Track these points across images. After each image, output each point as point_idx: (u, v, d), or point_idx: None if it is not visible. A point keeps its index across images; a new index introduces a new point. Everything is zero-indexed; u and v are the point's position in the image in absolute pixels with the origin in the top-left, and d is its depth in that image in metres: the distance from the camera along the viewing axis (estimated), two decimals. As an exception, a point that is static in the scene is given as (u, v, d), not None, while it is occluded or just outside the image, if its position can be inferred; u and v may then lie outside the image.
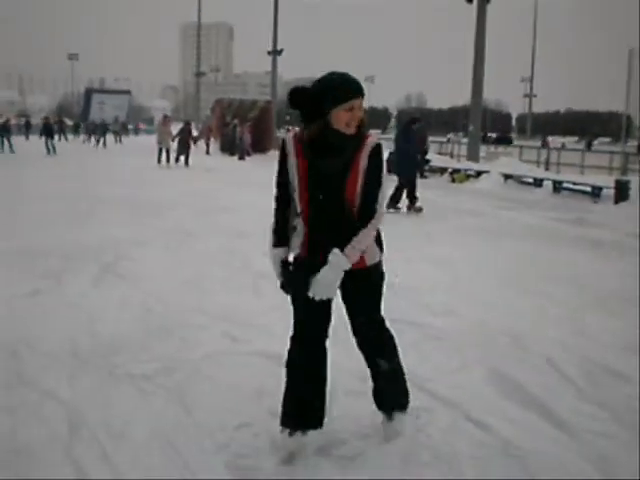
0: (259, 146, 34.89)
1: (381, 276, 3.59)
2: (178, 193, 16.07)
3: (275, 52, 43.66)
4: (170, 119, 28.53)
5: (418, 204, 14.12)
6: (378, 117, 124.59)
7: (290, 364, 3.57)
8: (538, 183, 20.13)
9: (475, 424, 3.88)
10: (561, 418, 4.01)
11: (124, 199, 14.28)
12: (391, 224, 6.67)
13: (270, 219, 3.53)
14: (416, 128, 14.66)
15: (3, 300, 6.21)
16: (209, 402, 4.11)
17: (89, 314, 5.83)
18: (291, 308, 3.55)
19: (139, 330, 5.43)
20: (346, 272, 3.28)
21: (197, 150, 35.92)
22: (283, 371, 3.60)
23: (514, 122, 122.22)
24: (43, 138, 31.55)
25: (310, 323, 3.51)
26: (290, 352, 3.57)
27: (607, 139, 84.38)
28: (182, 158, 25.87)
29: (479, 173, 22.19)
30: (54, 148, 31.15)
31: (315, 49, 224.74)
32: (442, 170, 24.05)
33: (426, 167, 24.06)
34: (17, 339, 5.12)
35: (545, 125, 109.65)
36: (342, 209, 3.27)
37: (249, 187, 17.42)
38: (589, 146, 48.01)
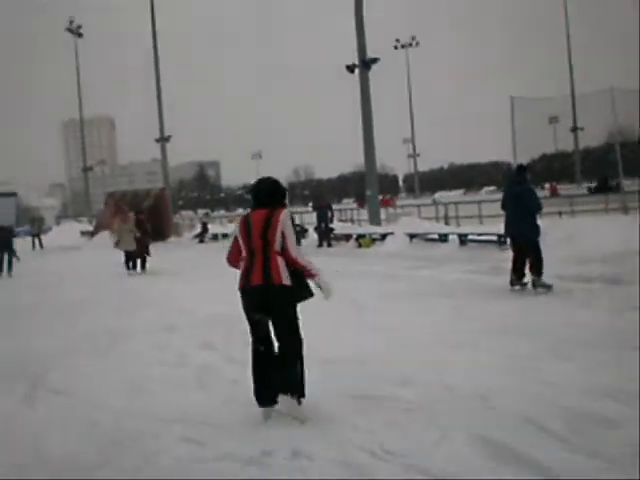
0: (159, 234, 34.32)
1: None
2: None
3: (163, 139, 43.49)
4: (126, 213, 22.10)
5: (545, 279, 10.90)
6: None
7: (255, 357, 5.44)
8: (443, 238, 20.54)
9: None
10: (556, 473, 3.94)
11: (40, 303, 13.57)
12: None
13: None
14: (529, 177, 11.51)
15: None
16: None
17: (31, 437, 5.33)
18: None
19: (90, 449, 5.01)
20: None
21: (101, 244, 35.01)
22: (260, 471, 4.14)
23: (401, 183, 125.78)
24: None
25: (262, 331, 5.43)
26: (255, 351, 5.44)
27: (492, 187, 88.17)
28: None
29: (384, 236, 22.49)
30: None
31: (201, 133, 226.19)
32: (347, 237, 24.30)
33: (331, 235, 24.29)
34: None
35: (431, 182, 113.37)
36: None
37: (163, 276, 17.00)
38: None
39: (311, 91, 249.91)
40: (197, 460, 4.62)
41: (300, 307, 5.46)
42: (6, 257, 20.76)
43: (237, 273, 5.47)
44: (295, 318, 5.41)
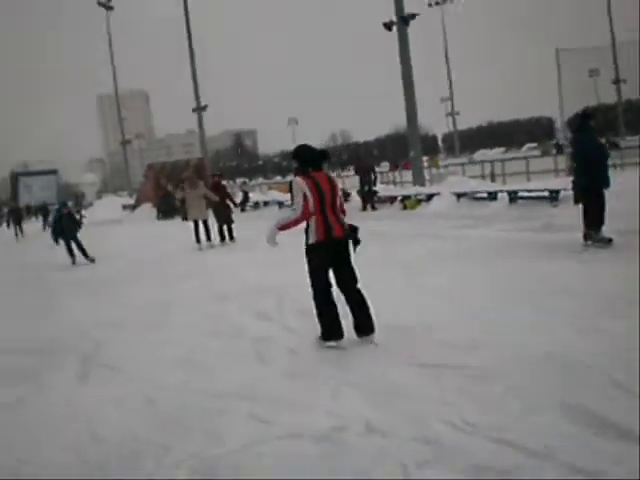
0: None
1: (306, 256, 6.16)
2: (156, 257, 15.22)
3: (199, 109, 43.22)
4: (194, 178, 18.66)
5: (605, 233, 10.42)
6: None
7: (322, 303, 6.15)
8: (492, 197, 19.95)
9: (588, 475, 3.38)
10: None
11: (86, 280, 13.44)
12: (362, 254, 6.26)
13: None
14: (594, 125, 10.87)
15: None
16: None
17: (85, 418, 5.08)
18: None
19: (149, 428, 4.75)
20: None
21: (142, 217, 35.04)
22: (333, 449, 4.02)
23: (441, 142, 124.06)
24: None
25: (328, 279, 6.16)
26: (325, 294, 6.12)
27: (534, 144, 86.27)
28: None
29: (430, 196, 21.95)
30: None
31: (237, 101, 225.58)
32: (391, 199, 23.79)
33: (375, 198, 23.82)
34: (9, 462, 4.41)
35: (471, 140, 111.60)
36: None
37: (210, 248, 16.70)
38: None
39: (346, 54, 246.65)
40: (265, 439, 4.31)
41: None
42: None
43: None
44: None
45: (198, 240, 16.91)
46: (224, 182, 21.34)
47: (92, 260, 15.96)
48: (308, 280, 6.18)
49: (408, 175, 30.43)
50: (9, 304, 11.23)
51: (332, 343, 6.12)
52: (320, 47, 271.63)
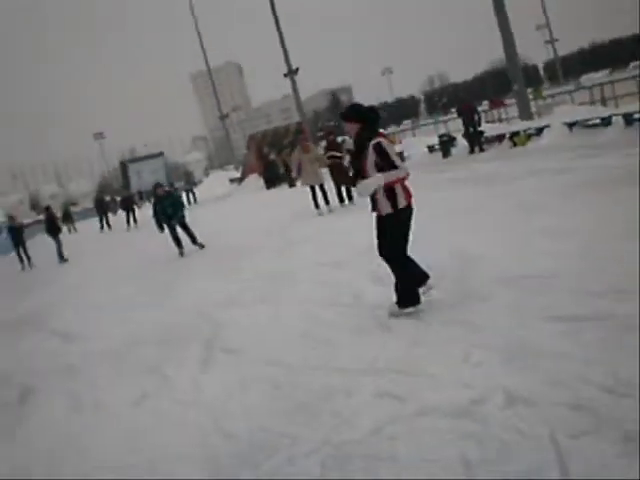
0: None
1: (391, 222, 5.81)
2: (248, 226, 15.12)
3: (291, 72, 42.94)
4: (307, 138, 18.40)
5: None
6: (406, 107, 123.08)
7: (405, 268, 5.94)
8: (607, 122, 18.76)
9: None
10: None
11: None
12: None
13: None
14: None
15: (109, 411, 5.43)
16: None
17: (211, 412, 4.91)
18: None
19: (279, 416, 4.53)
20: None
21: (250, 188, 35.29)
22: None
23: (542, 72, 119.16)
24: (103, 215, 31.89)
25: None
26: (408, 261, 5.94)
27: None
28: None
29: (540, 130, 20.91)
30: (109, 225, 31.24)
31: (328, 59, 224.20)
32: (499, 137, 22.81)
33: (482, 139, 22.94)
34: (143, 461, 4.30)
35: (573, 66, 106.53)
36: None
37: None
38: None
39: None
40: (399, 418, 4.01)
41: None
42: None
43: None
44: None
45: (317, 205, 16.19)
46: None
47: (201, 246, 14.51)
48: (388, 245, 5.92)
49: (513, 110, 29.14)
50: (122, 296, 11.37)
51: (411, 309, 5.96)
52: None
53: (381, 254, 5.96)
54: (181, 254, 14.26)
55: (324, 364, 5.27)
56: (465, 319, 5.46)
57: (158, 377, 6.05)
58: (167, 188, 15.10)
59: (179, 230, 14.46)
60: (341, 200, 16.56)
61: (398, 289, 5.99)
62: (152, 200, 15.43)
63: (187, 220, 14.70)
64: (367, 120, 5.81)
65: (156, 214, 14.41)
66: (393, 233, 5.82)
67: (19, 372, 7.51)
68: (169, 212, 14.22)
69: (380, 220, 5.88)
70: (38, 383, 6.83)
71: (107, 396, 5.85)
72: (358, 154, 5.80)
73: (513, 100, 27.68)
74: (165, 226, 14.38)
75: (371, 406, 4.27)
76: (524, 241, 7.71)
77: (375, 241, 5.98)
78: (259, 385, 5.17)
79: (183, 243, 14.41)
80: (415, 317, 5.88)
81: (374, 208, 5.90)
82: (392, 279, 6.07)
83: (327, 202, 16.25)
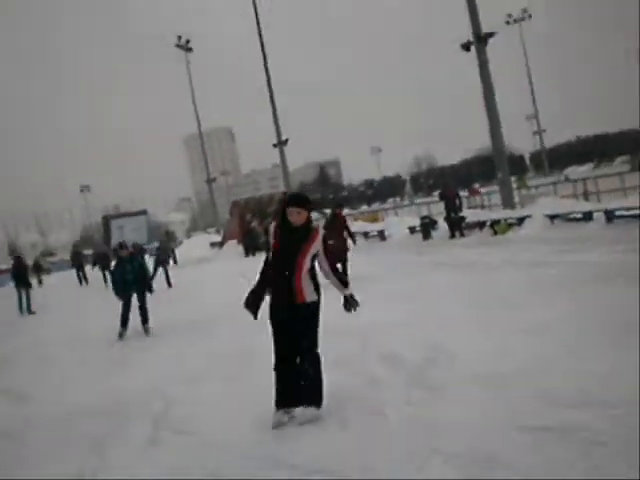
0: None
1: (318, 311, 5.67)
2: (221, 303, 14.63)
3: (281, 143, 43.26)
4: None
5: None
6: (392, 186, 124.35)
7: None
8: (588, 217, 18.82)
9: None
10: None
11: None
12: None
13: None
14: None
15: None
16: None
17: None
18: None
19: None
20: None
21: (229, 254, 34.99)
22: None
23: (528, 162, 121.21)
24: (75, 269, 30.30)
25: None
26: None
27: (625, 157, 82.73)
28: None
29: (521, 220, 20.94)
30: (86, 278, 29.91)
31: (318, 133, 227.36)
32: (480, 224, 22.83)
33: (463, 224, 22.93)
34: None
35: (560, 158, 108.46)
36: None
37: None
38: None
39: (425, 77, 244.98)
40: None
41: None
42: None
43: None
44: None
45: None
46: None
47: (147, 332, 12.02)
48: None
49: (497, 197, 29.28)
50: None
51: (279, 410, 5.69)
52: (399, 72, 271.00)
53: (308, 348, 5.63)
54: (120, 336, 11.86)
55: (280, 457, 4.89)
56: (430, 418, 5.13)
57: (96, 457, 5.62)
58: (131, 250, 12.96)
59: (134, 303, 12.15)
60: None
61: (318, 387, 5.68)
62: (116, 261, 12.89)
63: (148, 295, 12.41)
64: (311, 210, 5.74)
65: (114, 280, 12.35)
66: (318, 322, 5.67)
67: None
68: (129, 278, 12.01)
69: (307, 308, 5.61)
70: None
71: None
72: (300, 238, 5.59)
73: (492, 188, 27.81)
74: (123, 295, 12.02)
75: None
76: (500, 337, 7.39)
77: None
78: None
79: (130, 323, 12.00)
80: (376, 412, 5.52)
81: (299, 297, 5.58)
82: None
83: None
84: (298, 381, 5.57)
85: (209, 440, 5.53)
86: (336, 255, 14.31)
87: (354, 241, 16.35)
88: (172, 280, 21.73)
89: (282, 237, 5.55)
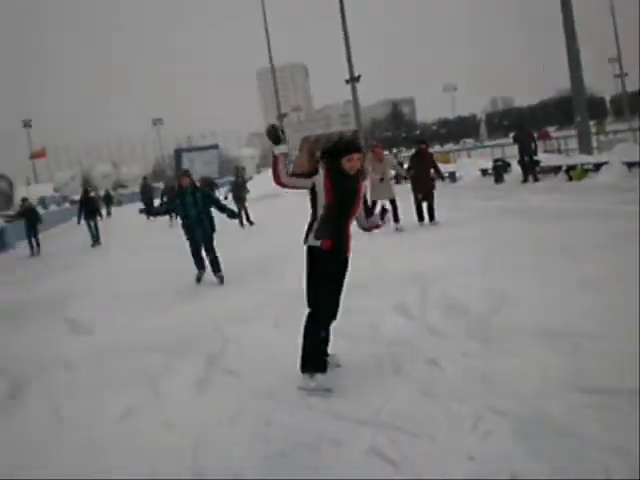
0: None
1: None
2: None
3: (353, 79, 42.56)
4: (379, 144, 16.98)
5: None
6: (466, 125, 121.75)
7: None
8: (670, 165, 17.97)
9: None
10: None
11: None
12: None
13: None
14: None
15: (84, 426, 5.02)
16: None
17: (191, 439, 4.49)
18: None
19: (257, 457, 4.10)
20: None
21: (300, 191, 34.89)
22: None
23: (608, 105, 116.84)
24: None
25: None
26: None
27: None
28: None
29: (598, 166, 20.14)
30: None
31: (391, 70, 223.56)
32: (555, 169, 22.09)
33: (537, 169, 22.24)
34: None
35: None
36: None
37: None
38: None
39: (504, 14, 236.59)
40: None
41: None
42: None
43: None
44: None
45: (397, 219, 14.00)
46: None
47: (221, 279, 10.60)
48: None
49: (574, 142, 28.25)
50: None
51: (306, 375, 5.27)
52: (478, 10, 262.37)
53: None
54: (198, 280, 10.87)
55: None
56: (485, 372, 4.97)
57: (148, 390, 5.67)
58: (192, 180, 10.83)
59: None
60: (420, 218, 14.50)
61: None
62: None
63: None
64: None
65: (169, 208, 11.21)
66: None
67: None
68: (191, 214, 10.51)
69: (347, 262, 5.34)
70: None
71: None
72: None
73: (569, 132, 26.82)
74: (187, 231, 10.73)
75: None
76: (562, 293, 7.10)
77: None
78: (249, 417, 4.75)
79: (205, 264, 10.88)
80: (432, 362, 5.37)
81: (349, 249, 5.30)
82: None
83: (396, 219, 13.90)
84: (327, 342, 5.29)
85: (257, 385, 5.49)
86: (423, 195, 14.20)
87: (442, 178, 15.63)
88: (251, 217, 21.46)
89: (337, 184, 5.06)
